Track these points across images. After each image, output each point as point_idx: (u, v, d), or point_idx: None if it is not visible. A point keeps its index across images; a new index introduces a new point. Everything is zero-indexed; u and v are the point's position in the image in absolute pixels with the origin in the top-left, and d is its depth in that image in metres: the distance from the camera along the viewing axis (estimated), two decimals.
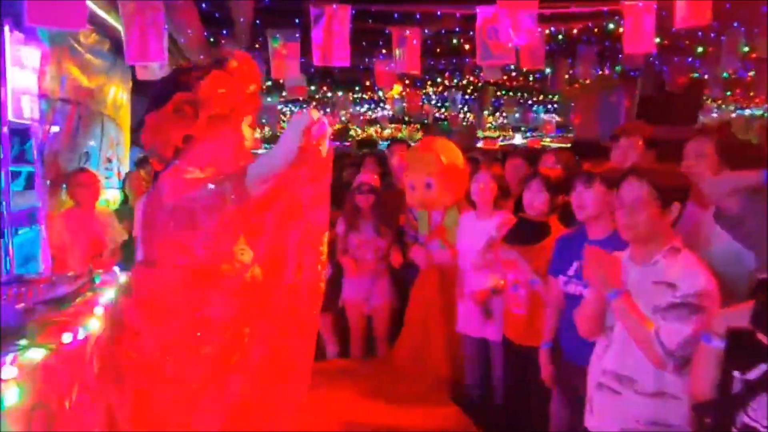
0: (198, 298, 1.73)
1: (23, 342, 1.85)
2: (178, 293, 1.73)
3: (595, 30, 5.81)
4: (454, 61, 7.15)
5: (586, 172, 2.68)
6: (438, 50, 6.31)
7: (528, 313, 3.11)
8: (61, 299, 2.16)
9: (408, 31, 4.70)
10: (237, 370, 1.76)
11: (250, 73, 1.80)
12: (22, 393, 1.64)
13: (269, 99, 9.81)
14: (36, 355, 1.80)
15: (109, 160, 5.93)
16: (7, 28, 3.21)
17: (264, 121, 13.03)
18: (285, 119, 12.88)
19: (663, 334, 1.92)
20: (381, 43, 5.57)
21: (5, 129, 3.81)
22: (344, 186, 4.96)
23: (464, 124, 15.68)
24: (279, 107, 11.75)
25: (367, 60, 6.25)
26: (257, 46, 5.43)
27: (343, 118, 15.34)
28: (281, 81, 7.20)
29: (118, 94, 6.04)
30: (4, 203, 3.91)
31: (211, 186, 1.65)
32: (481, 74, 7.45)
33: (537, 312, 3.04)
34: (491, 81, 9.55)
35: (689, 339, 1.88)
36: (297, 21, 4.62)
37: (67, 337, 1.90)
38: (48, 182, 4.11)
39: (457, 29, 5.26)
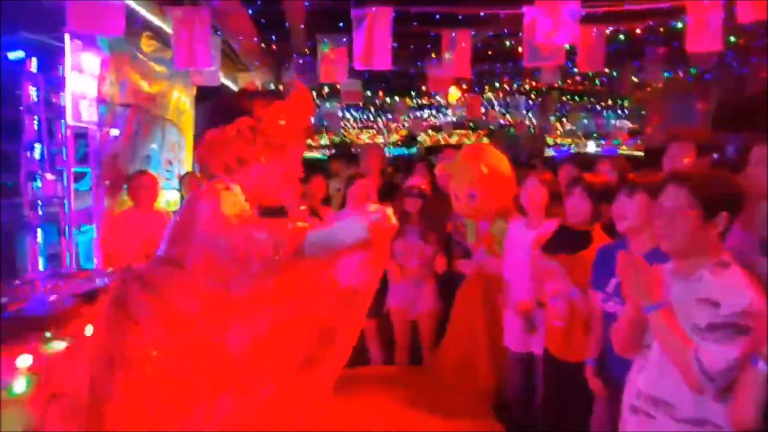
0: (208, 314, 1.74)
1: (47, 333, 1.90)
2: (191, 299, 1.74)
3: (661, 29, 5.46)
4: (510, 64, 6.96)
5: (629, 180, 2.50)
6: (490, 53, 6.13)
7: (566, 326, 2.94)
8: (93, 293, 2.23)
9: (455, 34, 4.58)
10: (227, 390, 1.75)
11: (308, 107, 1.89)
12: (35, 382, 1.69)
13: (328, 105, 9.93)
14: (56, 346, 1.85)
15: (170, 163, 6.18)
16: (67, 36, 3.42)
17: (325, 126, 13.24)
18: (348, 125, 12.98)
19: (703, 355, 1.74)
20: (429, 46, 5.46)
21: (68, 132, 4.05)
22: (394, 189, 4.93)
23: (531, 130, 15.27)
24: (339, 113, 11.87)
25: (419, 64, 6.18)
26: (307, 51, 5.48)
27: (405, 125, 15.34)
28: (338, 86, 7.26)
29: (180, 100, 6.30)
30: (66, 202, 4.15)
31: (264, 235, 1.67)
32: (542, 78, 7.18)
33: (576, 325, 2.86)
34: (555, 85, 9.23)
35: (732, 363, 1.70)
36: (341, 24, 4.63)
37: (89, 330, 1.94)
38: (107, 183, 4.32)
39: (506, 31, 5.09)
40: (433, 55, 5.64)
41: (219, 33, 4.43)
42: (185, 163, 6.64)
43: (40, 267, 4.01)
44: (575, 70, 6.83)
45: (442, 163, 4.64)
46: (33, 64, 3.84)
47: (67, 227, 4.09)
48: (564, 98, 11.57)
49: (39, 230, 4.01)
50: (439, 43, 4.86)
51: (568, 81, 9.08)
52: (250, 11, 4.59)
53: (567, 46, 4.76)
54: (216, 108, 1.98)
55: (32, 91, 3.84)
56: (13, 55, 3.78)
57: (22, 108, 3.82)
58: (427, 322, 4.27)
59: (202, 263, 1.76)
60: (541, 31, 3.84)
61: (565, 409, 2.94)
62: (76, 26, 3.35)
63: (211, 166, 1.88)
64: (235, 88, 7.38)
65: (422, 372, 4.19)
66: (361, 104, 10.86)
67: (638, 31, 5.54)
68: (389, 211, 1.74)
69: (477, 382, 3.77)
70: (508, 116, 13.91)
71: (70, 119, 3.68)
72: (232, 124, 1.81)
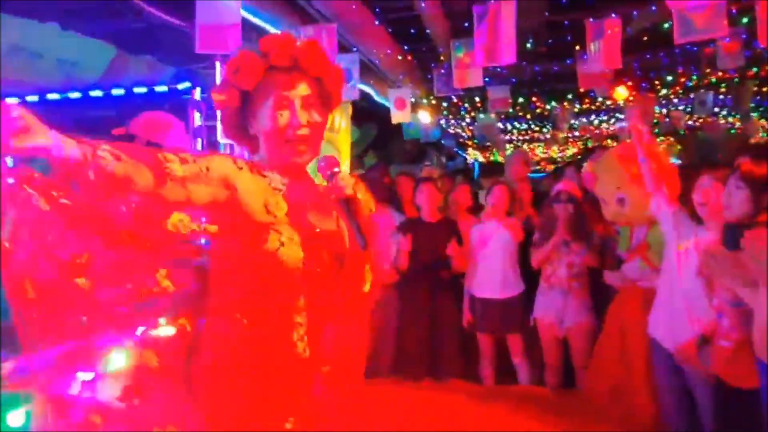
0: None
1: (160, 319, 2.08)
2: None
3: None
4: (677, 51, 6.09)
5: None
6: (645, 39, 5.41)
7: (735, 344, 2.47)
8: None
9: (593, 19, 4.13)
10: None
11: (277, 51, 1.55)
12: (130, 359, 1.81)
13: (482, 116, 9.74)
14: (167, 330, 2.00)
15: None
16: (218, 63, 3.86)
17: (488, 141, 13.03)
18: (513, 139, 12.59)
19: None
20: (569, 38, 5.02)
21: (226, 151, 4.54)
22: (542, 195, 4.72)
23: (731, 131, 13.34)
24: (499, 125, 11.58)
25: (568, 62, 5.74)
26: (442, 58, 5.44)
27: (576, 133, 14.47)
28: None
29: (335, 119, 6.66)
30: None
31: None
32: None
33: (747, 342, 2.38)
34: (748, 73, 7.92)
35: None
36: (466, 24, 4.50)
37: None
38: None
39: (654, 8, 4.43)
40: (577, 48, 5.20)
41: (356, 49, 4.60)
42: None
43: None
44: None
45: (588, 163, 4.28)
46: (197, 93, 4.38)
47: None
48: (764, 89, 9.79)
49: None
50: (581, 35, 4.45)
51: (766, 67, 7.71)
52: (377, 22, 4.70)
53: (745, 19, 4.06)
54: None
55: (197, 117, 4.37)
56: (181, 86, 4.37)
57: (189, 132, 4.37)
58: (578, 338, 3.95)
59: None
60: None
61: None
62: (203, 47, 3.75)
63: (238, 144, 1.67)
64: (389, 105, 7.65)
65: (574, 396, 3.89)
66: (521, 114, 10.42)
67: None
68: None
69: (633, 410, 3.37)
70: (696, 116, 12.30)
71: (220, 137, 4.13)
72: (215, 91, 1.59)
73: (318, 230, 1.53)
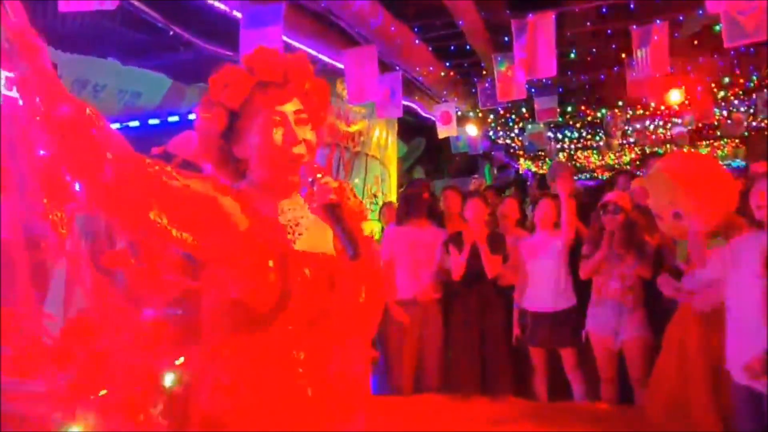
0: None
1: None
2: None
3: None
4: (732, 53, 5.84)
5: None
6: (696, 43, 5.23)
7: None
8: None
9: (635, 26, 4.04)
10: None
11: (265, 66, 1.45)
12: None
13: (530, 126, 9.64)
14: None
15: (375, 195, 6.65)
16: None
17: (539, 151, 12.82)
18: (557, 146, 12.36)
19: None
20: (614, 46, 4.91)
21: None
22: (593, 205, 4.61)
23: None
24: (549, 134, 11.39)
25: (615, 69, 5.62)
26: (485, 72, 5.43)
27: (631, 140, 14.04)
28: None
29: (382, 136, 6.78)
30: None
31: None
32: None
33: None
34: None
35: None
36: (506, 39, 4.49)
37: None
38: None
39: (700, 12, 4.28)
40: (623, 56, 5.08)
41: (398, 67, 4.68)
42: (389, 194, 7.07)
43: None
44: None
45: (637, 179, 4.16)
46: None
47: None
48: None
49: None
50: (627, 42, 4.36)
51: None
52: (417, 41, 4.76)
53: None
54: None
55: None
56: None
57: None
58: (634, 352, 3.83)
59: None
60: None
61: None
62: None
63: (222, 176, 1.51)
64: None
65: (631, 411, 3.77)
66: (571, 123, 10.23)
67: None
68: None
69: (692, 427, 3.25)
70: (761, 117, 11.69)
71: None
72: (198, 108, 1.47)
73: (297, 249, 1.38)
